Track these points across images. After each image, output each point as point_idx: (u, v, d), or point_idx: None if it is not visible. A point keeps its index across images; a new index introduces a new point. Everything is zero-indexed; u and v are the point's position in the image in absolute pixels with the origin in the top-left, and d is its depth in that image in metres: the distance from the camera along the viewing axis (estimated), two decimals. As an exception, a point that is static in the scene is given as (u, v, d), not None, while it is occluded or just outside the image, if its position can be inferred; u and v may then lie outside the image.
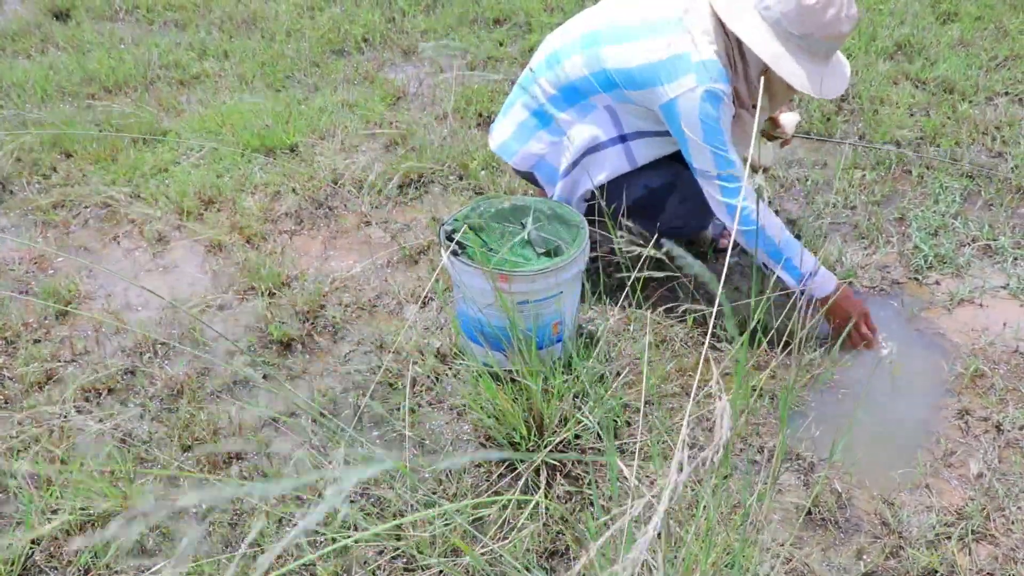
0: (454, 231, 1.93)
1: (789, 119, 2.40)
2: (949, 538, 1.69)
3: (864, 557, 1.67)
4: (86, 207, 2.80)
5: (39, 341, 2.24)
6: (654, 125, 2.12)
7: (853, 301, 2.14)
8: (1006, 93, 3.33)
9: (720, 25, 2.00)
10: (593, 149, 2.16)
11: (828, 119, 3.18)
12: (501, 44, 3.90)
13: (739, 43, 2.00)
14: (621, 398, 1.98)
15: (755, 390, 1.99)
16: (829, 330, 2.18)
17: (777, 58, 1.94)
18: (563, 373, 1.90)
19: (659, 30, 2.00)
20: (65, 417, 2.00)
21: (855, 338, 2.14)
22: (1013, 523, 1.72)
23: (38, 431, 1.96)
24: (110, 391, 2.10)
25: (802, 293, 2.06)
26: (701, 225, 2.38)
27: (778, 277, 2.08)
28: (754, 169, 2.37)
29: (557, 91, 2.17)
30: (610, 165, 2.17)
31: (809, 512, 1.75)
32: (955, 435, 1.94)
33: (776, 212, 2.53)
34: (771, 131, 2.40)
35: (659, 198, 2.20)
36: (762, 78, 1.66)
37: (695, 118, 1.97)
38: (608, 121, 2.13)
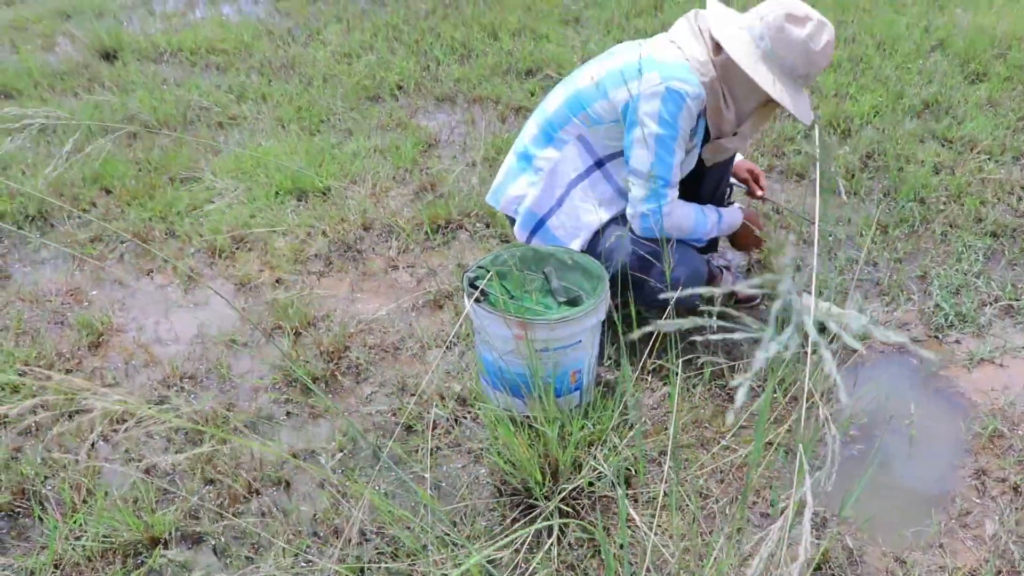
0: (477, 278, 1.98)
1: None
2: (962, 600, 1.68)
3: (875, 616, 1.67)
4: (122, 242, 2.89)
5: (71, 371, 2.31)
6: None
7: (743, 222, 2.36)
8: (1032, 154, 3.35)
9: (708, 52, 2.04)
10: (575, 183, 2.17)
11: (852, 175, 3.21)
12: (532, 94, 3.98)
13: (724, 69, 2.04)
14: (636, 448, 1.99)
15: (771, 444, 2.00)
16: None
17: (757, 72, 1.98)
18: (580, 421, 1.92)
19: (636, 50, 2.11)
20: (92, 446, 2.05)
21: (751, 245, 2.45)
22: (1028, 587, 1.71)
23: (65, 459, 2.02)
24: (138, 422, 2.15)
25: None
26: (689, 302, 2.20)
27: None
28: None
29: (538, 130, 2.22)
30: (595, 192, 2.17)
31: (819, 567, 1.75)
32: (971, 495, 1.93)
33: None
34: (754, 189, 2.52)
35: (647, 266, 2.15)
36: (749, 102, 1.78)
37: (654, 111, 2.00)
38: (582, 151, 2.15)
